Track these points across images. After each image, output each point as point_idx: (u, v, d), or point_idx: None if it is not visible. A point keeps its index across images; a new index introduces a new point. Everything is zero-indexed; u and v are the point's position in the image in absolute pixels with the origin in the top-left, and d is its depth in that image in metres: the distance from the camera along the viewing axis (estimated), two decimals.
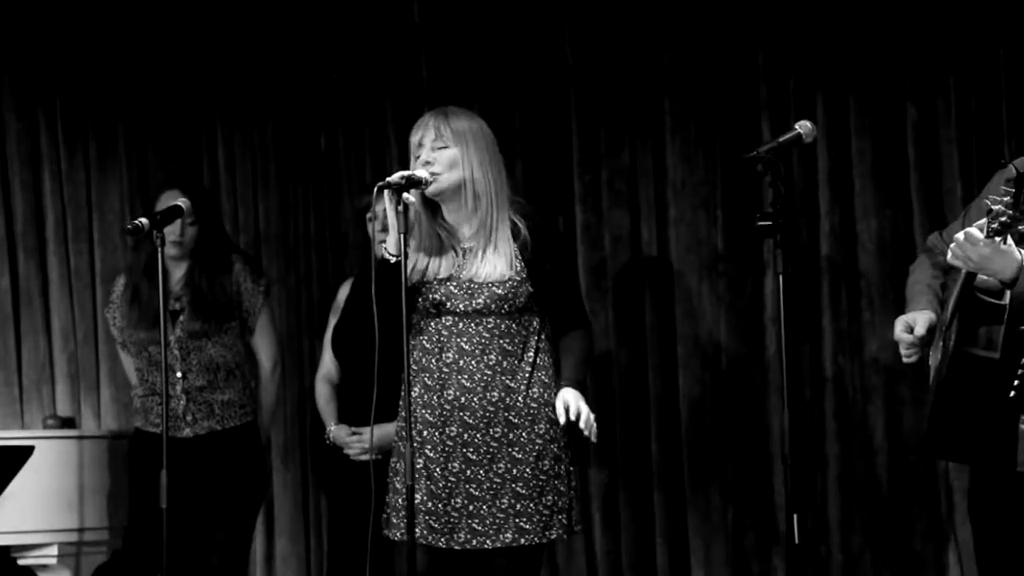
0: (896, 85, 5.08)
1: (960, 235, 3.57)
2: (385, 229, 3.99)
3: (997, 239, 3.47)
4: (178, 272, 5.12)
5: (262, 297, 5.16)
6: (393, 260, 3.90)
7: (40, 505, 5.19)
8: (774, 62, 5.26)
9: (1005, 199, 3.41)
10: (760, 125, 5.25)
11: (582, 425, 3.91)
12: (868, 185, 5.11)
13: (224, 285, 5.09)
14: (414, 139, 4.02)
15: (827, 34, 5.17)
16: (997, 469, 3.74)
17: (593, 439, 3.95)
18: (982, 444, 3.74)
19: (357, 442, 4.92)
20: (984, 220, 3.49)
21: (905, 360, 3.93)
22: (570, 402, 3.93)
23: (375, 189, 3.90)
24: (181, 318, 5.05)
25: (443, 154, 3.97)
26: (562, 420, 3.93)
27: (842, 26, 5.15)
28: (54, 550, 5.23)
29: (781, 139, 3.82)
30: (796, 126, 3.86)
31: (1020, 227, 3.41)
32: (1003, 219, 3.41)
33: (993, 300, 3.65)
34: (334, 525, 5.14)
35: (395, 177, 3.89)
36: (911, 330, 3.89)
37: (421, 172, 3.93)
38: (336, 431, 5.00)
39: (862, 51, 5.12)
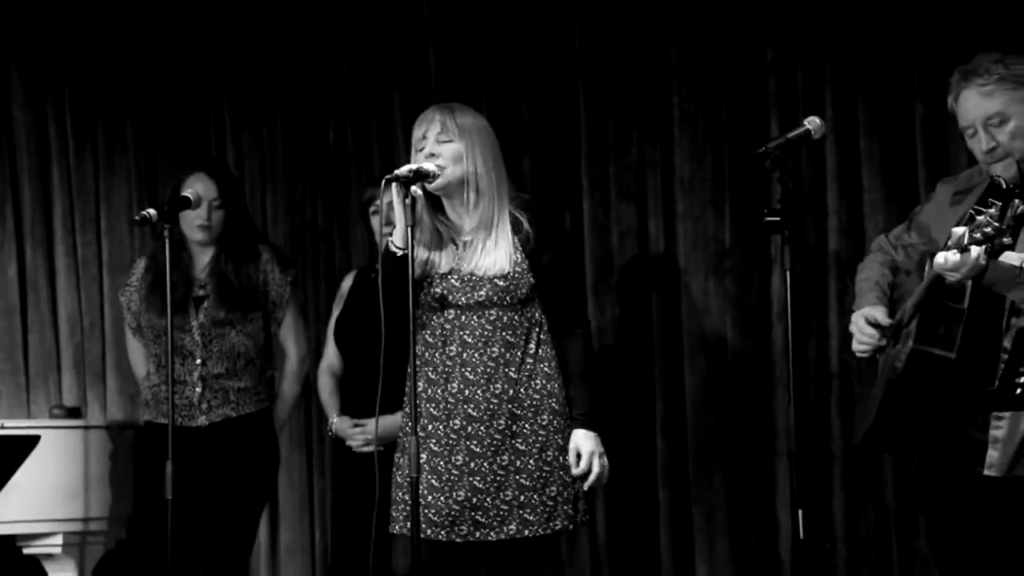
0: (905, 82, 5.08)
1: (940, 260, 3.57)
2: (391, 222, 4.00)
3: (976, 249, 3.49)
4: (204, 258, 5.07)
5: (290, 289, 5.10)
6: (400, 253, 3.91)
7: (45, 495, 5.20)
8: (783, 58, 5.25)
9: (991, 211, 3.44)
10: (769, 121, 5.25)
11: (586, 485, 3.97)
12: (876, 182, 5.11)
13: (250, 273, 5.03)
14: (418, 132, 4.02)
15: (836, 30, 5.17)
16: (951, 469, 3.80)
17: (587, 488, 4.00)
18: (933, 442, 3.81)
19: (360, 434, 4.92)
20: (963, 229, 3.50)
21: (859, 354, 3.97)
22: (583, 454, 3.96)
23: (383, 182, 3.90)
24: (205, 304, 5.01)
25: (448, 147, 3.98)
26: (574, 471, 3.96)
27: (851, 22, 5.14)
28: (59, 539, 5.24)
29: (790, 135, 3.82)
30: (805, 122, 3.86)
31: (1003, 239, 3.44)
32: (987, 230, 3.45)
33: (954, 304, 3.70)
34: (338, 517, 5.14)
35: (403, 170, 3.90)
36: (875, 324, 3.93)
37: (429, 165, 3.94)
38: (338, 423, 5.00)
39: (871, 47, 5.12)
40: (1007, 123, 3.81)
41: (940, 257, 3.58)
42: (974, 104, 3.85)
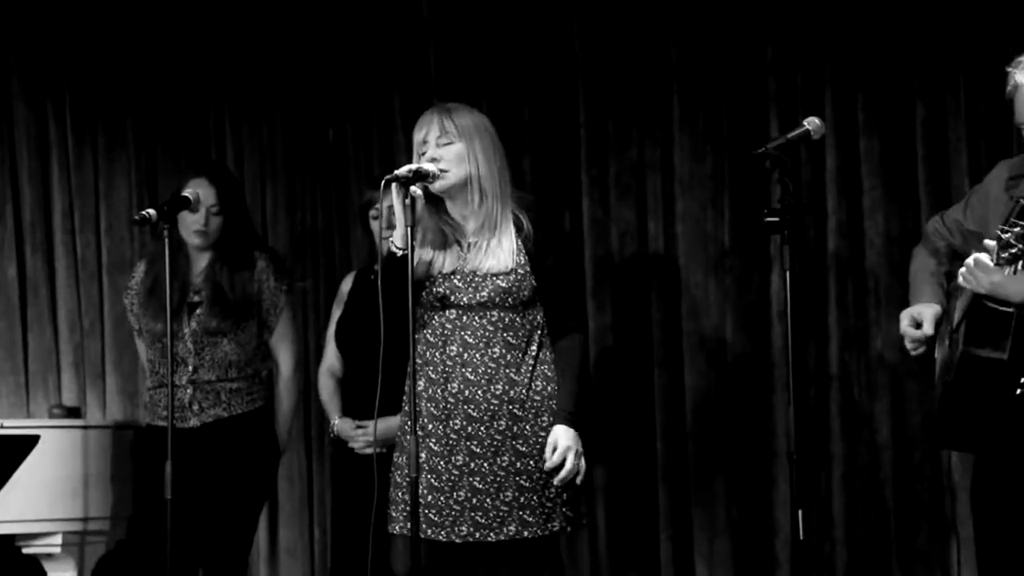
0: (905, 82, 5.08)
1: (971, 260, 3.61)
2: (391, 225, 4.00)
3: (1007, 268, 3.52)
4: (200, 263, 5.04)
5: (284, 297, 5.05)
6: (400, 253, 3.91)
7: (45, 494, 5.20)
8: (783, 57, 5.25)
9: (1016, 229, 3.47)
10: (768, 121, 5.25)
11: (557, 480, 3.93)
12: (876, 182, 5.11)
13: (245, 282, 4.99)
14: (418, 136, 4.02)
15: (836, 30, 5.17)
16: (1005, 458, 3.77)
17: (558, 483, 3.95)
18: (989, 436, 3.77)
19: (362, 435, 4.92)
20: (994, 244, 3.53)
21: (912, 353, 3.95)
22: (559, 448, 3.94)
23: (382, 183, 3.89)
24: (198, 311, 4.99)
25: (449, 150, 3.97)
26: (546, 465, 3.94)
27: (851, 22, 5.15)
28: (58, 539, 5.23)
29: (789, 135, 3.83)
30: (804, 122, 3.86)
31: None
32: (1013, 250, 3.49)
33: (1001, 307, 3.69)
34: (338, 518, 5.13)
35: (403, 171, 3.90)
36: (917, 325, 3.91)
37: (428, 165, 3.94)
38: (340, 424, 5.00)
39: (871, 47, 5.12)
40: None
41: (960, 278, 3.64)
42: None
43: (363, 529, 4.63)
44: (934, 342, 3.93)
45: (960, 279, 3.70)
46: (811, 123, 3.86)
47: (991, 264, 3.58)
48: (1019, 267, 3.54)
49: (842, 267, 5.16)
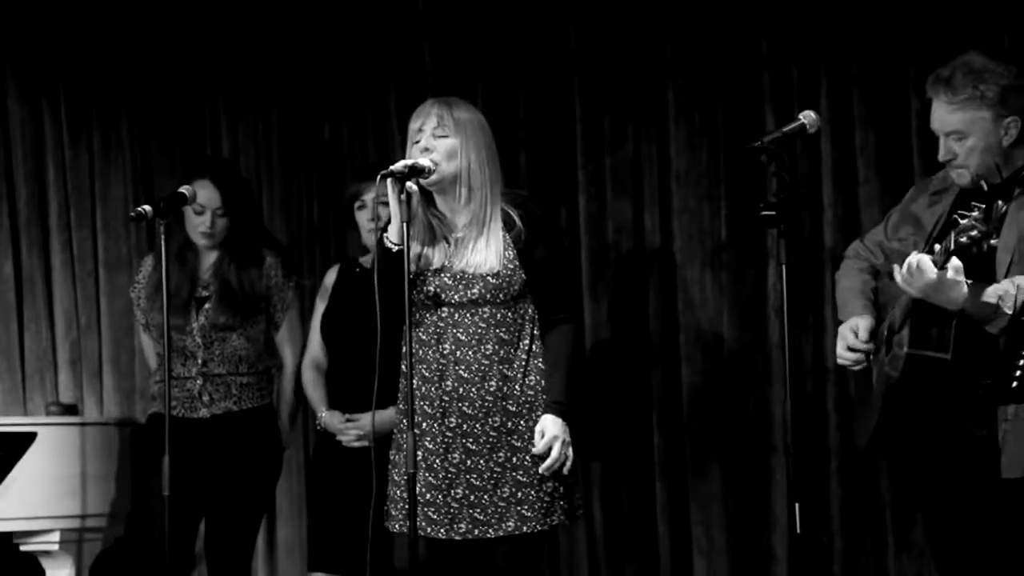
0: (900, 75, 5.08)
1: (913, 260, 3.66)
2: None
3: (950, 269, 3.60)
4: (209, 258, 5.05)
5: (291, 293, 5.07)
6: (395, 249, 3.91)
7: (42, 491, 5.20)
8: (778, 52, 5.25)
9: (974, 214, 3.50)
10: (764, 115, 5.25)
11: (542, 468, 3.93)
12: (871, 175, 5.11)
13: (253, 279, 5.00)
14: (414, 125, 4.02)
15: (831, 24, 5.16)
16: (953, 469, 3.81)
17: (543, 472, 3.95)
18: (937, 443, 3.81)
19: (352, 428, 4.90)
20: (943, 245, 3.61)
21: (852, 368, 4.01)
22: (546, 436, 3.94)
23: (377, 177, 3.89)
24: (207, 306, 5.00)
25: (442, 143, 3.97)
26: (534, 451, 3.94)
27: (846, 16, 5.15)
28: (56, 536, 5.24)
29: (785, 129, 3.83)
30: (800, 116, 3.86)
31: (991, 242, 3.51)
32: (973, 233, 3.52)
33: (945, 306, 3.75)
34: (315, 509, 5.06)
35: (399, 165, 3.90)
36: (856, 338, 3.99)
37: (424, 161, 3.94)
38: (328, 417, 4.97)
39: (866, 41, 5.12)
40: (966, 139, 3.89)
41: (899, 277, 3.72)
42: (939, 116, 3.94)
43: (342, 522, 4.65)
44: (872, 353, 4.00)
45: (898, 278, 3.73)
46: (806, 117, 3.86)
47: (932, 268, 3.64)
48: (975, 251, 3.55)
49: (838, 260, 5.14)
